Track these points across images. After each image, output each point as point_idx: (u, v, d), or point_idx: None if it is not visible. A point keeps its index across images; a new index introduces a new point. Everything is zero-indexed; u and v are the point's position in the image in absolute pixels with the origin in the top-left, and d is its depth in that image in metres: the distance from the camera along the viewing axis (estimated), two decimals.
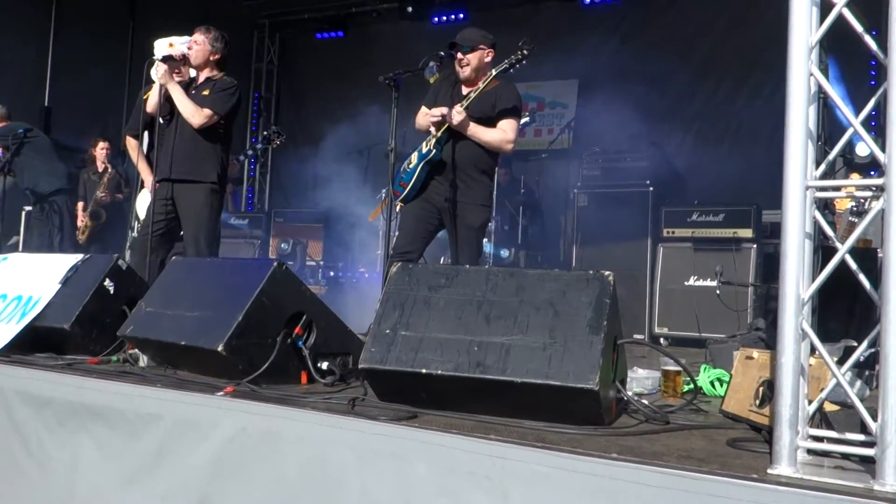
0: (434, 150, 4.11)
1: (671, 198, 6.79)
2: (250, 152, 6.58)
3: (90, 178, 7.66)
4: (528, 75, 9.06)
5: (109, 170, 7.53)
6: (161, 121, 5.03)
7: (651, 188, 6.48)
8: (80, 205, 7.58)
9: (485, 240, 7.52)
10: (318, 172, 10.35)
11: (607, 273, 2.58)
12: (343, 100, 10.41)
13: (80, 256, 3.89)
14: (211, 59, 4.75)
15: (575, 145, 8.37)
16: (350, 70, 10.64)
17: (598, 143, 7.62)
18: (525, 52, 3.97)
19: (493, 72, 4.09)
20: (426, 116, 4.21)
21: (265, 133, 6.19)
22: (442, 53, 4.14)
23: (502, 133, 4.15)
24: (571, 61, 9.44)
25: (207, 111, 4.61)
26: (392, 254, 4.14)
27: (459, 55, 4.17)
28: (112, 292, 3.66)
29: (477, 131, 4.12)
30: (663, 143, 8.12)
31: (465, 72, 4.17)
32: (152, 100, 4.74)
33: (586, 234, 6.69)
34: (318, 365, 3.13)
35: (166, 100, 4.71)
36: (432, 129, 4.17)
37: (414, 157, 4.24)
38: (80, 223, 7.55)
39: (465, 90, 4.25)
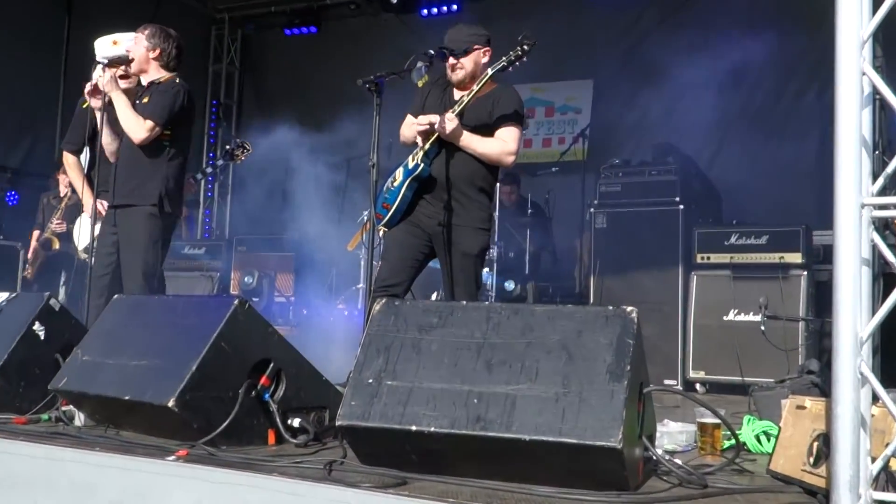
0: (422, 165, 4.13)
1: (705, 217, 6.81)
2: (209, 169, 6.57)
3: (49, 202, 7.64)
4: (534, 75, 9.17)
5: (70, 195, 7.50)
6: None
7: (681, 206, 6.50)
8: (36, 233, 7.56)
9: (485, 269, 7.55)
10: (288, 192, 10.37)
11: (630, 308, 2.58)
12: (316, 107, 10.48)
13: (4, 295, 3.88)
14: (151, 59, 4.75)
15: (591, 157, 8.42)
16: (325, 72, 10.73)
17: (619, 154, 7.66)
18: (525, 47, 4.00)
19: (490, 71, 4.12)
20: (412, 126, 4.23)
21: (227, 147, 6.20)
22: (432, 52, 4.16)
23: (501, 143, 4.17)
24: (585, 57, 9.54)
25: (148, 122, 4.58)
26: (374, 288, 4.13)
27: (452, 60, 4.20)
28: (43, 338, 3.65)
29: (472, 142, 4.13)
30: (695, 153, 8.16)
31: (457, 76, 4.21)
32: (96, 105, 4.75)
33: (606, 261, 6.70)
34: (289, 422, 3.11)
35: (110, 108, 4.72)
36: (419, 141, 4.18)
37: (399, 173, 4.24)
38: (29, 254, 7.54)
39: (457, 94, 4.27)
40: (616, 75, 9.45)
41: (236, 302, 3.12)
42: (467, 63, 4.20)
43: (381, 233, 4.38)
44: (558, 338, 2.56)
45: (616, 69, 9.40)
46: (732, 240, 6.34)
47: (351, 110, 9.61)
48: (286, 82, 11.23)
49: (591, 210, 6.83)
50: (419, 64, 4.18)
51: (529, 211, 8.04)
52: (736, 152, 8.82)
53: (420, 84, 4.27)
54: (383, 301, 2.83)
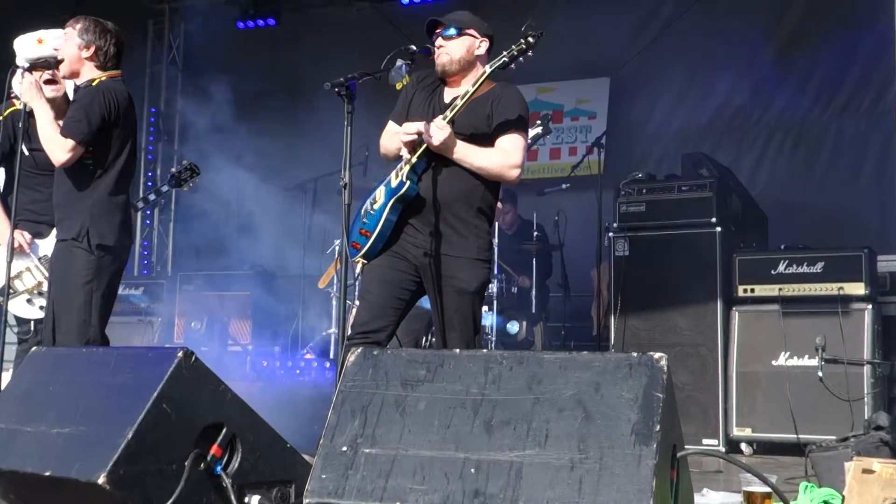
0: (408, 183, 4.12)
1: (748, 242, 6.83)
2: (152, 197, 6.51)
3: None
4: (539, 73, 9.25)
5: None
6: (26, 152, 5.02)
7: (719, 228, 6.51)
8: None
9: (484, 308, 7.56)
10: (244, 219, 10.38)
11: (659, 355, 2.58)
12: (278, 115, 10.53)
13: None
14: (84, 59, 4.66)
15: (608, 170, 8.42)
16: (286, 73, 10.79)
17: (642, 167, 7.68)
18: (530, 39, 4.00)
19: (487, 69, 4.12)
20: (395, 136, 4.23)
21: (173, 171, 6.18)
22: (414, 48, 4.17)
23: (503, 155, 4.17)
24: (599, 52, 9.62)
25: (68, 142, 4.49)
26: (351, 334, 4.11)
27: (439, 41, 4.22)
28: None
29: (467, 154, 4.13)
30: (734, 164, 8.21)
31: (441, 60, 4.21)
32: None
33: (629, 296, 6.70)
34: (246, 500, 3.08)
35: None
36: (405, 154, 4.19)
37: (380, 193, 4.24)
38: None
39: (448, 96, 4.28)
40: (637, 72, 9.53)
41: (180, 354, 3.10)
42: (456, 47, 4.20)
43: (358, 266, 4.36)
44: (572, 392, 2.55)
45: (637, 64, 9.49)
46: (781, 268, 6.35)
47: (318, 119, 9.59)
48: (240, 86, 11.23)
49: (611, 235, 6.83)
50: (399, 62, 4.19)
51: (535, 236, 8.06)
52: (783, 163, 8.89)
53: (400, 87, 4.29)
54: (359, 350, 2.82)
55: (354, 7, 10.67)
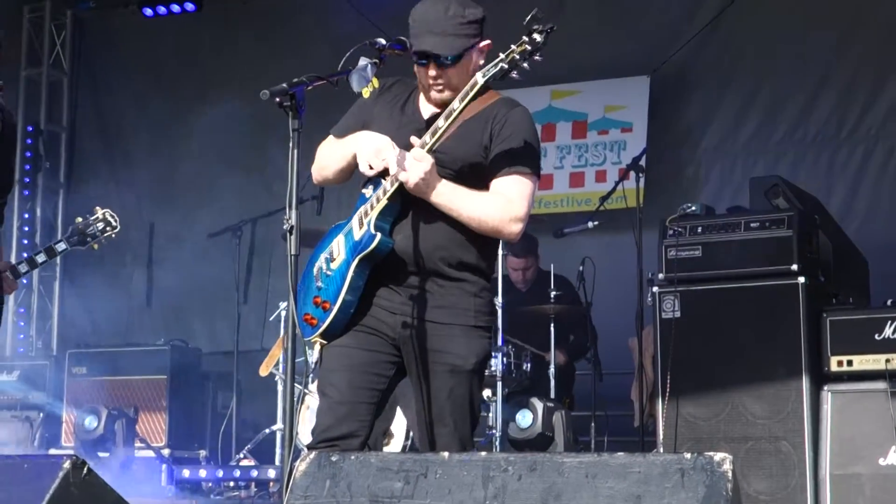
0: (378, 237, 4.09)
1: (843, 296, 6.84)
2: (41, 258, 6.44)
3: None
4: (553, 71, 9.21)
5: None
6: None
7: (802, 279, 6.54)
8: None
9: (485, 392, 7.53)
10: (155, 276, 10.40)
11: (721, 456, 2.58)
12: (198, 135, 10.54)
13: None
14: None
15: (650, 202, 8.47)
16: (211, 76, 10.82)
17: (694, 196, 7.74)
18: (536, 36, 4.01)
19: (480, 78, 4.11)
20: (346, 155, 4.24)
21: (77, 222, 6.16)
22: (383, 42, 4.19)
23: (503, 203, 4.16)
24: (635, 41, 9.68)
25: None
26: (311, 441, 4.08)
27: (433, 72, 4.20)
28: None
29: (454, 199, 4.11)
30: (821, 192, 8.25)
31: (442, 96, 4.19)
32: None
33: (681, 373, 6.70)
34: None
35: None
36: (368, 191, 4.19)
37: (338, 246, 4.23)
38: None
39: (425, 108, 4.28)
40: (687, 68, 9.59)
41: (68, 464, 3.10)
42: (456, 75, 4.17)
43: (315, 350, 4.35)
44: None
45: (687, 58, 9.53)
46: (888, 331, 6.37)
47: (254, 140, 9.66)
48: (147, 95, 11.30)
49: (655, 289, 6.85)
50: (364, 61, 4.21)
51: (553, 294, 8.05)
52: (887, 190, 8.91)
53: (366, 93, 4.30)
54: (313, 455, 2.83)
55: None
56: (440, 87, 4.15)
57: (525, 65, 3.97)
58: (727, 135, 9.52)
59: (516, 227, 4.18)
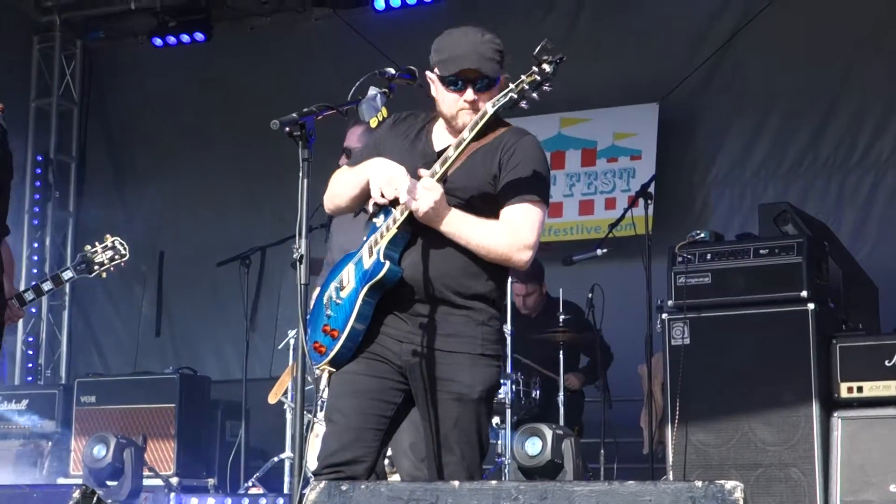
0: (387, 265, 4.10)
1: (853, 322, 6.82)
2: (48, 287, 6.44)
3: None
4: (562, 98, 9.22)
5: None
6: None
7: (812, 305, 6.53)
8: None
9: (494, 420, 7.51)
10: (165, 303, 10.39)
11: (732, 485, 2.58)
12: (209, 163, 10.56)
13: None
14: None
15: (660, 228, 8.46)
16: (220, 106, 10.83)
17: (704, 223, 7.72)
18: (545, 68, 4.01)
19: (490, 107, 4.09)
20: (359, 182, 4.23)
21: (87, 252, 6.17)
22: (392, 72, 4.19)
23: (512, 231, 4.15)
24: (645, 68, 9.67)
25: None
26: (317, 467, 4.08)
27: (468, 93, 4.17)
28: None
29: (463, 227, 4.11)
30: (831, 219, 8.24)
31: (469, 118, 4.17)
32: None
33: (691, 400, 6.68)
34: None
35: None
36: (378, 220, 4.19)
37: (348, 275, 4.22)
38: None
39: (439, 139, 4.27)
40: (697, 94, 9.59)
41: (77, 493, 3.10)
42: (485, 101, 4.17)
43: (324, 377, 4.34)
44: None
45: (696, 85, 9.53)
46: None
47: (264, 168, 9.66)
48: (157, 124, 11.32)
49: (664, 316, 6.84)
50: (373, 91, 4.22)
51: (562, 319, 8.04)
52: None
53: (375, 123, 4.31)
54: (322, 484, 2.83)
55: (312, 15, 10.72)
56: (473, 111, 4.13)
57: (534, 95, 3.98)
58: (736, 162, 9.52)
59: (525, 256, 4.18)
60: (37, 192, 11.45)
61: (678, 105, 9.61)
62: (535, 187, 4.17)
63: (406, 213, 4.07)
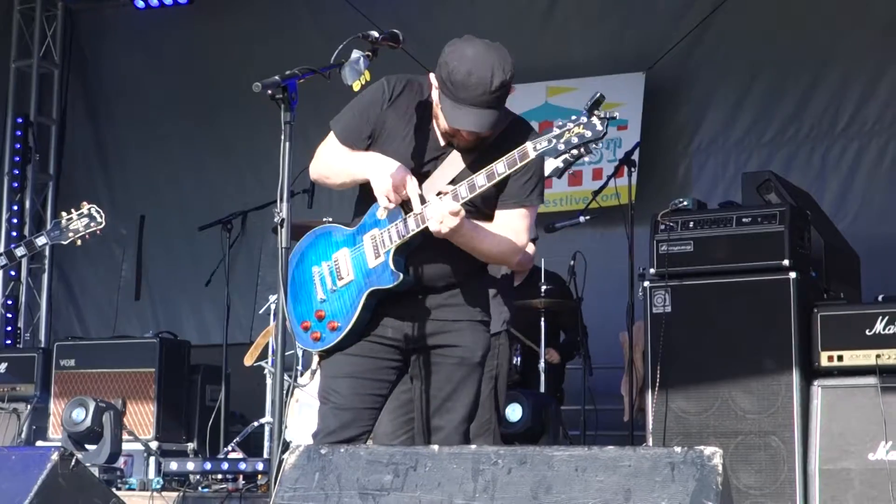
0: (401, 277, 4.06)
1: (834, 291, 6.83)
2: (21, 251, 6.41)
3: None
4: (550, 67, 9.22)
5: None
6: None
7: (793, 274, 6.53)
8: None
9: None
10: (145, 268, 10.37)
11: (711, 450, 2.58)
12: (191, 127, 10.53)
13: None
14: None
15: (642, 197, 8.47)
16: (203, 68, 10.80)
17: (686, 192, 7.72)
18: (595, 121, 3.97)
19: (532, 151, 3.94)
20: (355, 176, 4.20)
21: (64, 216, 6.13)
22: (376, 34, 4.18)
23: (512, 237, 4.22)
24: (631, 38, 9.67)
25: None
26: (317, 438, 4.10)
27: (467, 137, 4.13)
28: None
29: (473, 238, 4.08)
30: (814, 188, 8.25)
31: (470, 144, 4.14)
32: None
33: (671, 367, 6.69)
34: None
35: None
36: (381, 213, 4.10)
37: (345, 261, 4.16)
38: None
39: (442, 135, 4.18)
40: (682, 64, 9.59)
41: (56, 456, 3.10)
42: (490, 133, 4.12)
43: (314, 357, 4.35)
44: (595, 500, 2.56)
45: (682, 55, 9.53)
46: (879, 327, 6.37)
47: (245, 132, 9.63)
48: (140, 87, 11.28)
49: (646, 284, 6.84)
50: (356, 54, 4.21)
51: (544, 288, 8.05)
52: (881, 186, 8.92)
53: (357, 86, 4.28)
54: (301, 448, 2.83)
55: None
56: (466, 141, 4.13)
57: (581, 153, 3.99)
58: (720, 131, 9.54)
59: (519, 257, 4.44)
60: (17, 154, 11.39)
61: (663, 74, 9.61)
62: (533, 192, 4.25)
63: (422, 227, 4.04)
